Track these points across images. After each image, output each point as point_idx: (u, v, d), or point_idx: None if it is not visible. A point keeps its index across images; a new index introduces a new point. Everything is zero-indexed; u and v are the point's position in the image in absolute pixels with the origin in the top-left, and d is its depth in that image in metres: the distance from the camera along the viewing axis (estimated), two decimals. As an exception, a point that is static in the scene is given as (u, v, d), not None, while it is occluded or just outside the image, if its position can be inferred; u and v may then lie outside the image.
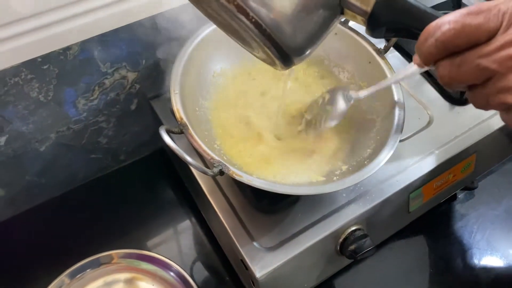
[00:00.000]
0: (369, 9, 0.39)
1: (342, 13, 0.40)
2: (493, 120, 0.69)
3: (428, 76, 0.74)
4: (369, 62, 0.62)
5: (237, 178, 0.48)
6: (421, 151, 0.65)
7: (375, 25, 0.40)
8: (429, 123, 0.67)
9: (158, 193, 0.74)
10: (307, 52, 0.41)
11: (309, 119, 0.59)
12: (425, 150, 0.65)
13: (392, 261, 0.71)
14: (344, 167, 0.56)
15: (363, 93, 0.55)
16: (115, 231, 0.69)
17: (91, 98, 0.63)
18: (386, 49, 0.61)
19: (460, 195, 0.79)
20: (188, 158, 0.46)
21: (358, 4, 0.39)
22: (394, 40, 0.61)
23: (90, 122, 0.66)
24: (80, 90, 0.61)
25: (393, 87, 0.58)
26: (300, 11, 0.36)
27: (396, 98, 0.57)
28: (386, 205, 0.61)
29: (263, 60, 0.45)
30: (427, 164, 0.64)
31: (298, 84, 0.66)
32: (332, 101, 0.56)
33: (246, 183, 0.48)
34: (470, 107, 0.70)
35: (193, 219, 0.72)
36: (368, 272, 0.70)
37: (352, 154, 0.58)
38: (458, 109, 0.70)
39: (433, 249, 0.73)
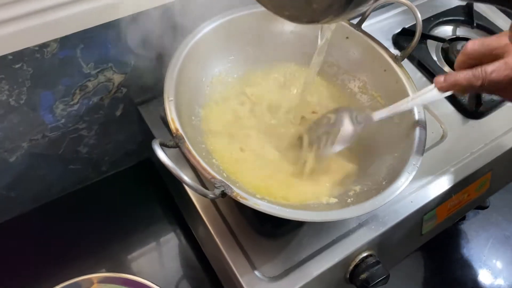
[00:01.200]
0: None
1: None
2: (509, 136, 0.65)
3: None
4: (384, 70, 0.57)
5: (242, 201, 0.42)
6: (435, 169, 0.61)
7: None
8: (443, 138, 0.65)
9: (144, 208, 0.69)
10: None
11: (309, 143, 0.54)
12: (439, 168, 0.61)
13: (400, 286, 0.67)
14: (358, 187, 0.51)
15: (376, 116, 0.51)
16: (95, 250, 0.63)
17: (71, 102, 0.56)
18: (403, 56, 0.56)
19: (469, 214, 0.74)
20: (187, 179, 0.40)
21: None
22: (412, 46, 0.55)
23: (69, 130, 0.60)
24: (59, 93, 0.54)
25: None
26: None
27: (417, 116, 0.52)
28: (399, 228, 0.57)
29: (292, 14, 0.36)
30: (442, 183, 0.60)
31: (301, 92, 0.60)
32: (338, 123, 0.52)
33: (252, 207, 0.42)
34: (484, 121, 0.67)
35: (183, 239, 0.67)
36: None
37: (366, 172, 0.52)
38: (473, 122, 0.67)
39: (442, 273, 0.69)
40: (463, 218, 0.73)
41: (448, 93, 0.46)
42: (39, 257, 0.62)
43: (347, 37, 0.59)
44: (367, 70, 0.59)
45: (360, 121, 0.51)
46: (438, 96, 0.47)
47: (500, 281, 0.68)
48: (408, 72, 0.55)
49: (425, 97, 0.48)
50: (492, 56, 0.43)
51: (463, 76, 0.44)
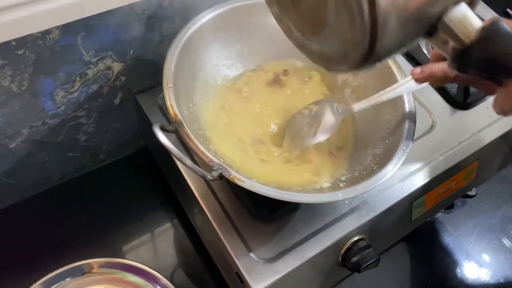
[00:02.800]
0: (468, 41, 0.32)
1: (430, 34, 0.33)
2: (495, 127, 0.67)
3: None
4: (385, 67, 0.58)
5: (239, 183, 0.43)
6: (424, 157, 0.62)
7: (465, 62, 0.33)
8: (432, 128, 0.66)
9: (141, 196, 0.69)
10: (385, 57, 0.34)
11: (292, 134, 0.55)
12: (429, 156, 0.62)
13: (389, 272, 0.69)
14: (349, 173, 0.53)
15: (356, 107, 0.52)
16: (93, 237, 0.64)
17: (71, 90, 0.57)
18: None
19: (458, 203, 0.76)
20: (188, 161, 0.41)
21: (457, 30, 0.32)
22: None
23: (69, 117, 0.60)
24: (60, 80, 0.55)
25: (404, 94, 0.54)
26: (406, 10, 0.30)
27: (407, 106, 0.54)
28: (389, 213, 0.58)
29: (314, 57, 0.39)
30: (431, 170, 0.61)
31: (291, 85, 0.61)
32: (320, 114, 0.53)
33: (248, 189, 0.44)
34: (472, 111, 0.69)
35: (180, 226, 0.67)
36: (364, 282, 0.67)
37: (358, 159, 0.54)
38: (461, 113, 0.68)
39: (430, 259, 0.71)
40: (451, 206, 0.75)
41: (425, 84, 0.48)
42: (37, 244, 0.62)
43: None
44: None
45: (341, 112, 0.53)
46: (415, 87, 0.49)
47: (485, 268, 0.71)
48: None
49: (402, 88, 0.50)
50: None
51: (438, 67, 0.46)
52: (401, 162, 0.49)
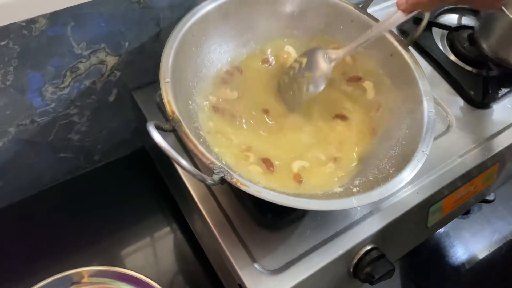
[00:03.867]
0: None
1: None
2: (516, 127, 0.63)
3: (446, 76, 0.67)
4: (391, 55, 0.55)
5: (243, 188, 0.40)
6: (441, 159, 0.59)
7: None
8: (449, 128, 0.63)
9: (138, 199, 0.66)
10: None
11: (287, 93, 0.54)
12: (446, 158, 0.60)
13: (400, 281, 0.65)
14: (363, 176, 0.49)
15: (342, 51, 0.51)
16: (87, 244, 0.61)
17: (61, 85, 0.53)
18: (411, 40, 0.54)
19: (474, 208, 0.72)
20: (184, 163, 0.37)
21: None
22: (420, 30, 0.53)
23: (60, 115, 0.57)
24: (48, 75, 0.51)
25: (421, 88, 0.50)
26: None
27: (425, 104, 0.50)
28: (404, 220, 0.55)
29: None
30: (448, 174, 0.58)
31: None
32: (311, 66, 0.52)
33: (253, 194, 0.39)
34: (491, 110, 0.66)
35: (179, 231, 0.64)
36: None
37: (372, 160, 0.50)
38: (479, 112, 0.66)
39: (445, 268, 0.67)
40: (468, 212, 0.71)
41: (412, 14, 0.46)
42: (27, 250, 0.60)
43: (352, 21, 0.56)
44: (372, 54, 0.56)
45: (334, 58, 0.51)
46: (402, 18, 0.46)
47: (504, 277, 0.66)
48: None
49: (389, 22, 0.48)
50: None
51: None
52: (420, 165, 0.45)
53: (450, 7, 0.75)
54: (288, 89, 0.54)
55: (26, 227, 0.62)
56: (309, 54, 0.53)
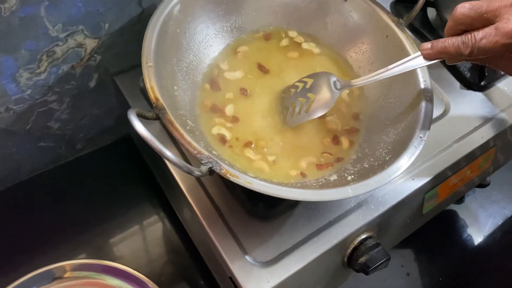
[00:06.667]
0: None
1: None
2: (513, 110, 0.62)
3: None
4: (386, 36, 0.52)
5: (233, 179, 0.38)
6: (437, 144, 0.58)
7: None
8: (445, 111, 0.61)
9: (124, 189, 0.65)
10: None
11: (286, 107, 0.51)
12: (442, 143, 0.58)
13: (396, 270, 0.64)
14: (358, 163, 0.47)
15: (356, 82, 0.48)
16: (71, 236, 0.59)
17: (37, 71, 0.50)
18: (407, 20, 0.51)
19: (469, 193, 0.71)
20: (168, 153, 0.34)
21: None
22: (417, 9, 0.50)
23: (37, 102, 0.54)
24: (22, 59, 0.48)
25: (419, 70, 0.48)
26: None
27: (422, 86, 0.48)
28: (400, 207, 0.54)
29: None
30: (444, 159, 0.56)
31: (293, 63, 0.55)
32: (315, 88, 0.49)
33: (243, 185, 0.37)
34: (488, 93, 0.64)
35: (168, 221, 0.63)
36: (369, 280, 0.61)
37: (367, 147, 0.48)
38: (476, 95, 0.64)
39: (440, 255, 0.66)
40: (462, 197, 0.70)
41: (434, 61, 0.43)
42: (6, 245, 0.58)
43: (345, 0, 0.54)
44: (367, 36, 0.54)
45: (339, 88, 0.49)
46: (423, 63, 0.44)
47: (500, 263, 0.66)
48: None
49: (408, 65, 0.45)
50: (483, 21, 0.39)
51: (451, 43, 0.41)
52: (418, 151, 0.43)
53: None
54: (288, 108, 0.51)
55: (4, 220, 0.60)
56: (317, 77, 0.50)
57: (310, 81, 0.50)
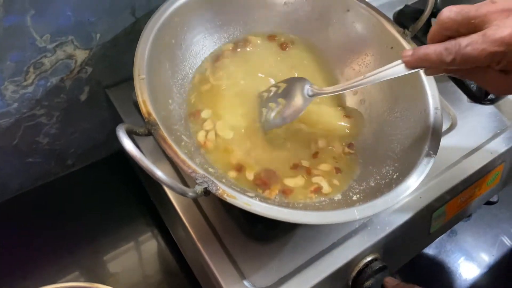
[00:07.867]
0: None
1: None
2: (522, 124, 0.60)
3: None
4: (391, 48, 0.50)
5: (230, 200, 0.35)
6: (445, 160, 0.56)
7: None
8: (452, 126, 0.59)
9: (117, 207, 0.63)
10: None
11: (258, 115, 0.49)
12: (449, 159, 0.56)
13: None
14: (363, 181, 0.44)
15: (329, 90, 0.46)
16: (60, 256, 0.58)
17: (24, 83, 0.48)
18: (413, 31, 0.50)
19: (476, 210, 0.69)
20: (160, 174, 0.32)
21: None
22: (423, 19, 0.48)
23: (24, 116, 0.52)
24: (7, 71, 0.46)
25: (426, 84, 0.46)
26: None
27: (431, 101, 0.46)
28: (407, 227, 0.51)
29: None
30: (452, 176, 0.54)
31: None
32: (286, 94, 0.47)
33: (241, 207, 0.35)
34: (495, 107, 0.63)
35: (162, 242, 0.60)
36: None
37: (373, 164, 0.46)
38: (483, 108, 0.62)
39: (447, 274, 0.64)
40: (470, 214, 0.68)
41: (415, 70, 0.39)
42: None
43: (348, 10, 0.52)
44: (371, 47, 0.52)
45: (312, 94, 0.46)
46: (403, 72, 0.40)
47: (507, 279, 0.63)
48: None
49: (387, 73, 0.41)
50: (470, 27, 0.35)
51: (433, 49, 0.37)
52: (427, 169, 0.41)
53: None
54: (260, 110, 0.49)
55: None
56: (291, 82, 0.48)
57: (283, 86, 0.48)
